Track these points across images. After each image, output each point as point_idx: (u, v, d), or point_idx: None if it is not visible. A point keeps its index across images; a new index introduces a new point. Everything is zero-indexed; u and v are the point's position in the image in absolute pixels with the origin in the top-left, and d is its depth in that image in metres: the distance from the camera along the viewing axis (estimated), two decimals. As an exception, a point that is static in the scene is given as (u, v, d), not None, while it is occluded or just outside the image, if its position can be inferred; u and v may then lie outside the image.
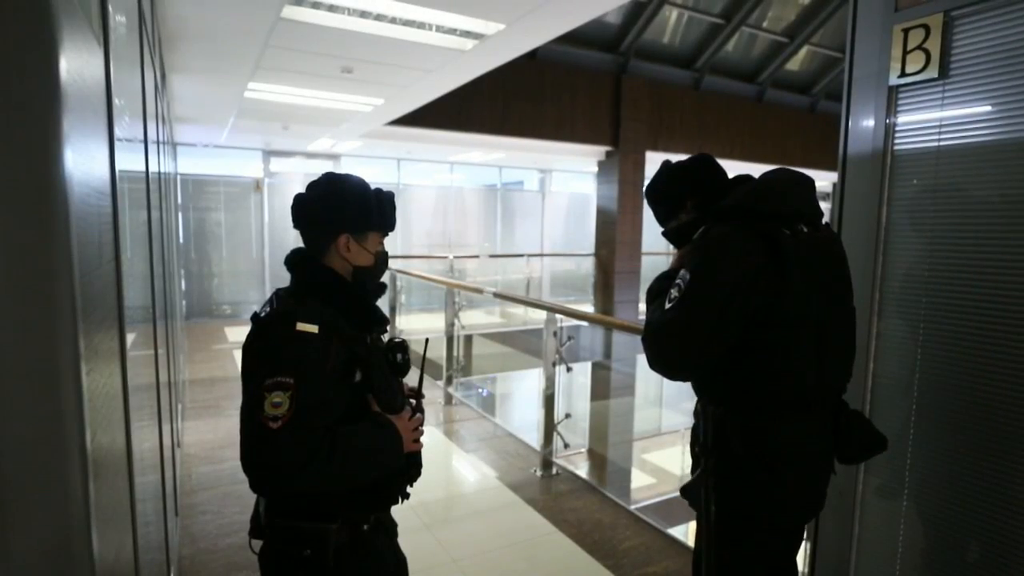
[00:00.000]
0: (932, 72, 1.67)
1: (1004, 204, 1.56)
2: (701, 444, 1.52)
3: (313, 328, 1.16)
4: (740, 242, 1.34)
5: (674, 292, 1.36)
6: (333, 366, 1.19)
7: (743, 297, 1.33)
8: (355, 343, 1.25)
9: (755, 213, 1.38)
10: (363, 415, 1.26)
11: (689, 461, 1.66)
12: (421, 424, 1.38)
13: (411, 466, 1.37)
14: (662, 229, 1.59)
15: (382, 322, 1.37)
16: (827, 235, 1.48)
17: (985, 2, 1.56)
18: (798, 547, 1.59)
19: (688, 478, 1.60)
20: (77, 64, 0.62)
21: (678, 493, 1.66)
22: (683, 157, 1.63)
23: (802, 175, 1.49)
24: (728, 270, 1.33)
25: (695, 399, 1.60)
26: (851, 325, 1.51)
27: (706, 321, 1.33)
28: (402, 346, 1.40)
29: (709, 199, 1.51)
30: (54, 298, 0.53)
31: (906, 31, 1.72)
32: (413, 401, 1.42)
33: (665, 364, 1.41)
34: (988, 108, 1.58)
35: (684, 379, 1.51)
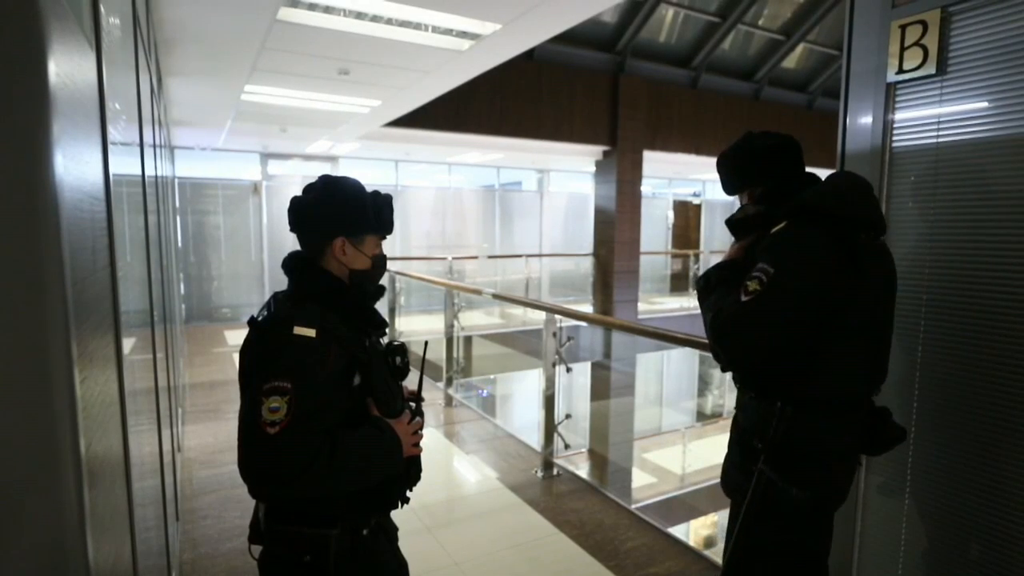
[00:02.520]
0: (930, 68, 1.67)
1: (1004, 199, 1.55)
2: (766, 439, 1.48)
3: (311, 332, 1.16)
4: (825, 244, 1.37)
5: (753, 284, 1.37)
6: (331, 370, 1.18)
7: (822, 297, 1.36)
8: (354, 347, 1.24)
9: (836, 217, 1.39)
10: (362, 419, 1.25)
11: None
12: (421, 428, 1.38)
13: (411, 470, 1.36)
14: (727, 218, 1.60)
15: (381, 325, 1.36)
16: (884, 246, 1.52)
17: (982, -3, 1.56)
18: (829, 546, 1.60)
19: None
20: (67, 67, 0.61)
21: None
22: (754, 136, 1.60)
23: (866, 181, 1.51)
24: (812, 269, 1.36)
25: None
26: (891, 333, 1.56)
27: (786, 315, 1.35)
28: (401, 349, 1.39)
29: (778, 191, 1.53)
30: (45, 305, 0.52)
31: (903, 27, 1.72)
32: (413, 404, 1.41)
33: (739, 351, 1.41)
34: (986, 104, 1.58)
35: (747, 370, 1.52)
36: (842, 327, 1.40)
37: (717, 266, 1.58)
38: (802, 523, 1.50)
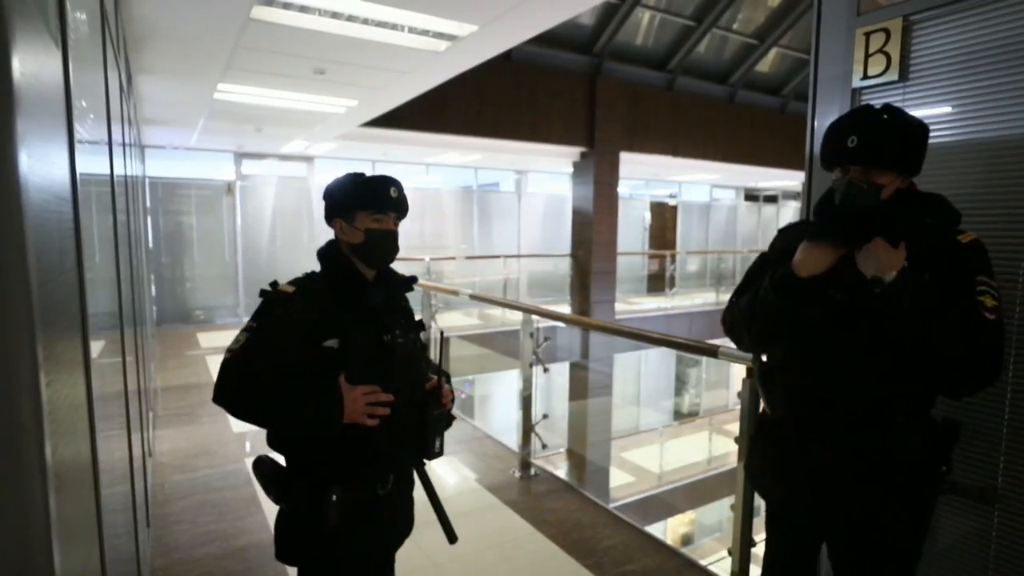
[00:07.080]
0: (893, 75, 1.72)
1: (964, 203, 1.60)
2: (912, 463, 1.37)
3: (290, 289, 1.37)
4: None
5: (989, 301, 1.25)
6: (297, 320, 1.33)
7: None
8: (331, 308, 1.37)
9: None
10: (329, 378, 1.34)
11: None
12: (380, 398, 1.36)
13: (417, 436, 1.46)
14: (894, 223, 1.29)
15: (366, 296, 1.42)
16: None
17: (942, 7, 1.61)
18: None
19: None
20: (32, 66, 0.60)
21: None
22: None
23: None
24: None
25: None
26: None
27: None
28: (403, 326, 1.48)
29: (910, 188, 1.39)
30: (9, 308, 0.51)
31: (868, 35, 1.77)
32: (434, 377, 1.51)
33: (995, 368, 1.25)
34: (947, 109, 1.63)
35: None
36: None
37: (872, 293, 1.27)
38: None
